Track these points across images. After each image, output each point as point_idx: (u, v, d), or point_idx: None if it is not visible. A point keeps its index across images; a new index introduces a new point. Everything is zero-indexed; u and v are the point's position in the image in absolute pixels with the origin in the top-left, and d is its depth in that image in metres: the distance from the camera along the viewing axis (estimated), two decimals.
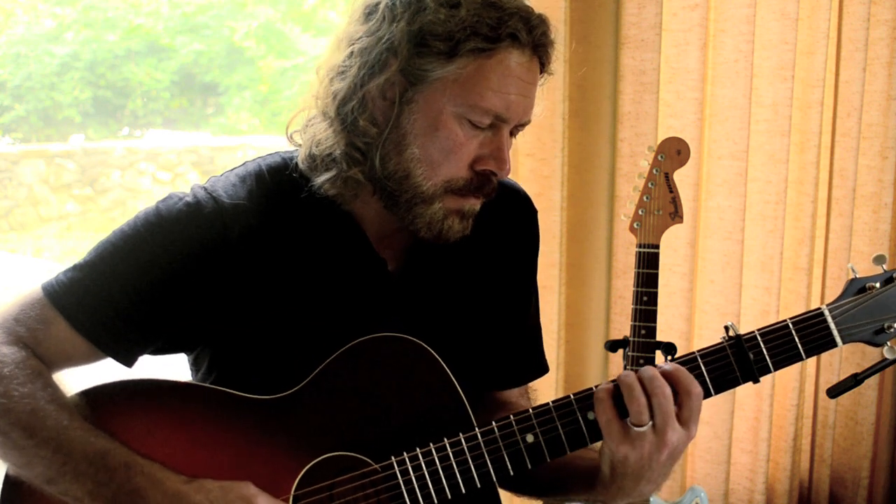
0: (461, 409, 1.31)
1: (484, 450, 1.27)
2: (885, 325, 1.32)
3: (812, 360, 2.96)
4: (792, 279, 2.77)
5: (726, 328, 1.31)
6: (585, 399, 1.28)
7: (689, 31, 2.45)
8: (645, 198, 1.94)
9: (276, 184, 1.34)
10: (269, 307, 1.31)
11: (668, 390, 1.22)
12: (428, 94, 1.26)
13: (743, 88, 2.51)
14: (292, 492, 1.26)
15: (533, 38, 1.27)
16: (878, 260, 1.34)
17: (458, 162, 1.28)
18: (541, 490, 1.47)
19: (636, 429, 1.22)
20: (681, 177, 1.99)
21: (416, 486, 1.26)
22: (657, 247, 1.95)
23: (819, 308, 1.33)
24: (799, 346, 1.31)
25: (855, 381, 1.38)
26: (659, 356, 1.94)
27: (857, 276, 1.35)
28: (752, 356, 1.29)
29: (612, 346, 2.02)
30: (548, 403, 1.28)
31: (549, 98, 2.25)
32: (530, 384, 1.57)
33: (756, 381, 1.30)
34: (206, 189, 1.32)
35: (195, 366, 1.40)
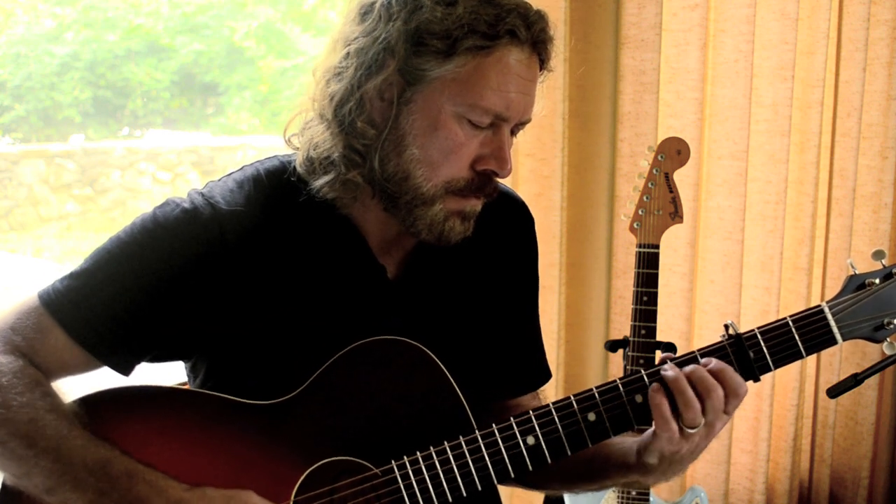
0: (461, 411, 1.30)
1: (484, 452, 1.26)
2: (885, 321, 1.32)
3: (812, 360, 2.96)
4: (792, 279, 2.77)
5: (726, 327, 1.31)
6: (586, 400, 1.27)
7: (689, 31, 2.45)
8: (645, 198, 1.94)
9: (275, 188, 1.33)
10: (267, 313, 1.29)
11: (720, 391, 1.24)
12: (426, 93, 1.24)
13: (743, 88, 2.51)
14: (293, 497, 1.25)
15: (532, 34, 1.25)
16: (877, 255, 1.34)
17: (459, 162, 1.26)
18: (569, 481, 1.46)
19: (689, 430, 1.24)
20: (681, 177, 1.99)
21: (416, 489, 1.25)
22: (657, 247, 1.95)
23: (819, 305, 1.33)
24: (799, 343, 1.31)
25: (855, 381, 1.37)
26: (659, 356, 1.94)
27: (857, 272, 1.34)
28: (752, 354, 1.29)
29: (612, 346, 2.03)
30: (548, 405, 1.28)
31: (549, 98, 2.25)
32: (539, 389, 1.56)
33: (757, 379, 1.30)
34: (203, 195, 1.30)
35: (193, 372, 1.39)
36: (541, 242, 1.57)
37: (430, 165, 1.25)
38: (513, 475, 1.27)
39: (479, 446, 1.26)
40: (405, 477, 1.25)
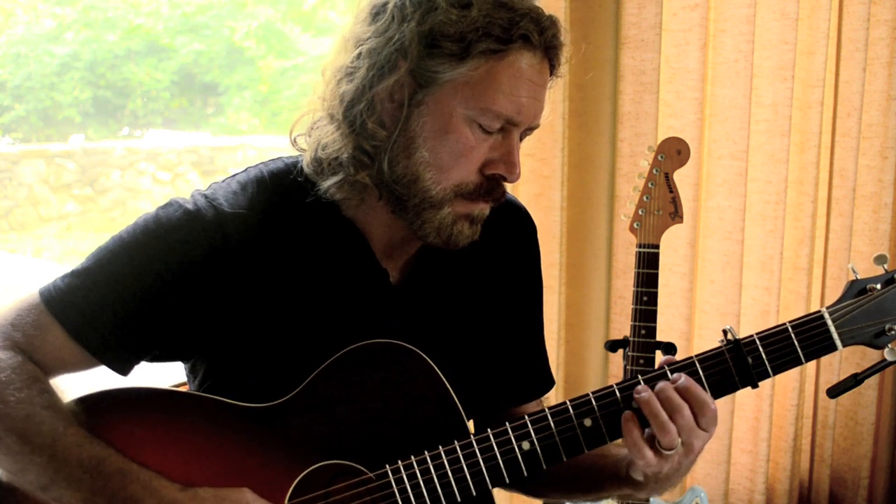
0: (456, 416, 1.29)
1: (479, 457, 1.25)
2: (886, 327, 1.29)
3: (812, 361, 2.96)
4: (792, 279, 2.77)
5: (724, 332, 1.29)
6: (582, 406, 1.27)
7: (689, 31, 2.45)
8: (645, 198, 1.94)
9: (279, 190, 1.32)
10: (267, 315, 1.29)
11: (686, 410, 1.23)
12: (438, 96, 1.23)
13: (743, 88, 2.51)
14: (286, 500, 1.24)
15: (544, 39, 1.25)
16: (879, 260, 1.32)
17: (468, 166, 1.25)
18: (566, 490, 1.47)
19: (667, 452, 1.23)
20: (681, 177, 1.99)
21: (410, 493, 1.24)
22: (657, 247, 1.95)
23: (819, 311, 1.30)
24: (798, 350, 1.29)
25: (855, 381, 1.36)
26: (659, 356, 1.94)
27: (858, 277, 1.33)
28: (750, 361, 1.27)
29: (612, 346, 2.02)
30: (544, 410, 1.27)
31: (550, 98, 2.24)
32: (542, 397, 1.56)
33: (755, 386, 1.29)
34: (206, 196, 1.30)
35: (192, 373, 1.39)
36: (541, 242, 1.57)
37: (440, 168, 1.25)
38: (508, 480, 1.26)
39: (475, 451, 1.25)
40: (399, 481, 1.24)
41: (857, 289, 1.32)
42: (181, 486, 1.19)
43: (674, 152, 1.93)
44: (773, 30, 2.59)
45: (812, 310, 2.79)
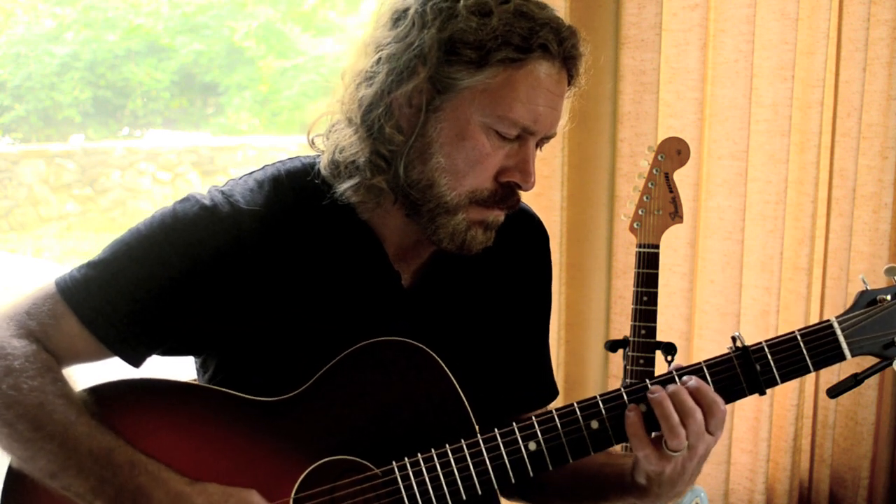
0: (464, 415, 1.30)
1: (486, 456, 1.26)
2: (895, 338, 1.30)
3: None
4: (792, 279, 2.77)
5: (733, 339, 1.30)
6: (589, 408, 1.28)
7: (689, 31, 2.45)
8: (645, 198, 1.94)
9: (295, 189, 1.34)
10: (279, 313, 1.31)
11: (699, 414, 1.23)
12: (456, 103, 1.24)
13: (743, 88, 2.51)
14: (293, 494, 1.26)
15: (563, 49, 1.26)
16: (890, 272, 1.32)
17: (484, 173, 1.27)
18: (569, 499, 1.47)
19: (672, 453, 1.24)
20: (681, 177, 1.99)
21: (416, 490, 1.25)
22: (657, 247, 1.95)
23: (828, 320, 1.31)
24: (807, 358, 1.29)
25: (855, 381, 1.36)
26: (659, 356, 1.94)
27: (868, 288, 1.33)
28: (758, 368, 1.28)
29: (612, 346, 2.02)
30: (551, 411, 1.28)
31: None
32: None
33: (762, 393, 1.29)
34: (223, 193, 1.31)
35: (203, 368, 1.40)
36: None
37: (455, 174, 1.26)
38: (513, 480, 1.27)
39: (481, 450, 1.26)
40: (405, 478, 1.25)
41: (866, 300, 1.32)
42: (189, 480, 1.20)
43: (674, 152, 1.93)
44: (773, 30, 2.59)
45: (812, 310, 2.81)
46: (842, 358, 1.30)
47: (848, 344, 1.30)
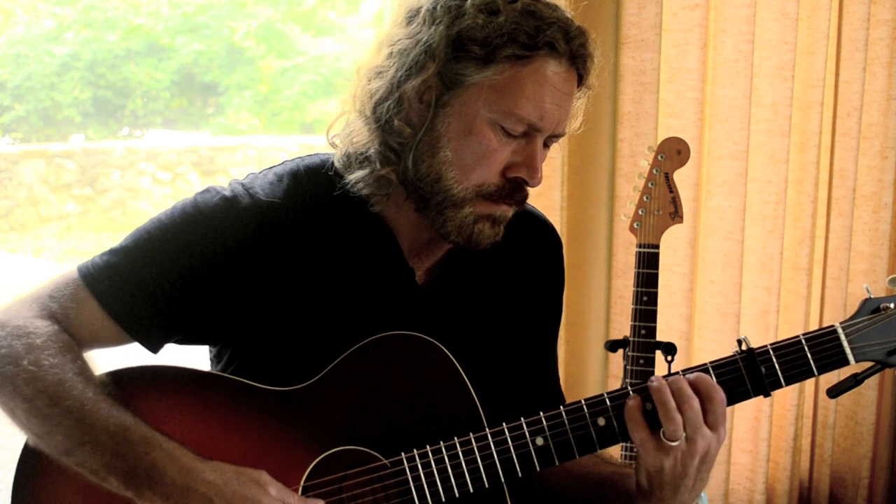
0: (473, 409, 1.32)
1: (493, 450, 1.28)
2: None
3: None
4: (792, 279, 2.77)
5: (739, 342, 1.32)
6: (596, 405, 1.29)
7: (689, 31, 2.45)
8: (645, 198, 1.94)
9: (313, 183, 1.37)
10: (294, 304, 1.33)
11: (696, 402, 1.25)
12: (463, 98, 1.27)
13: (743, 88, 2.51)
14: (302, 481, 1.27)
15: (571, 48, 1.29)
16: (893, 282, 1.36)
17: (490, 168, 1.29)
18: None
19: (670, 443, 1.25)
20: (681, 177, 1.99)
21: (424, 482, 1.27)
22: (657, 247, 1.95)
23: (832, 326, 1.34)
24: (811, 362, 1.32)
25: (855, 381, 1.38)
26: (659, 356, 1.95)
27: (872, 296, 1.36)
28: (763, 370, 1.30)
29: (612, 346, 2.02)
30: (559, 408, 1.30)
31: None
32: None
33: (767, 395, 1.31)
34: (243, 185, 1.35)
35: (216, 358, 1.43)
36: None
37: (462, 168, 1.29)
38: (520, 474, 1.28)
39: (489, 443, 1.28)
40: (413, 469, 1.27)
41: (871, 307, 1.35)
42: (202, 458, 1.22)
43: (674, 152, 1.93)
44: (773, 30, 2.59)
45: (812, 310, 2.81)
46: (846, 363, 1.33)
47: (852, 350, 1.32)
